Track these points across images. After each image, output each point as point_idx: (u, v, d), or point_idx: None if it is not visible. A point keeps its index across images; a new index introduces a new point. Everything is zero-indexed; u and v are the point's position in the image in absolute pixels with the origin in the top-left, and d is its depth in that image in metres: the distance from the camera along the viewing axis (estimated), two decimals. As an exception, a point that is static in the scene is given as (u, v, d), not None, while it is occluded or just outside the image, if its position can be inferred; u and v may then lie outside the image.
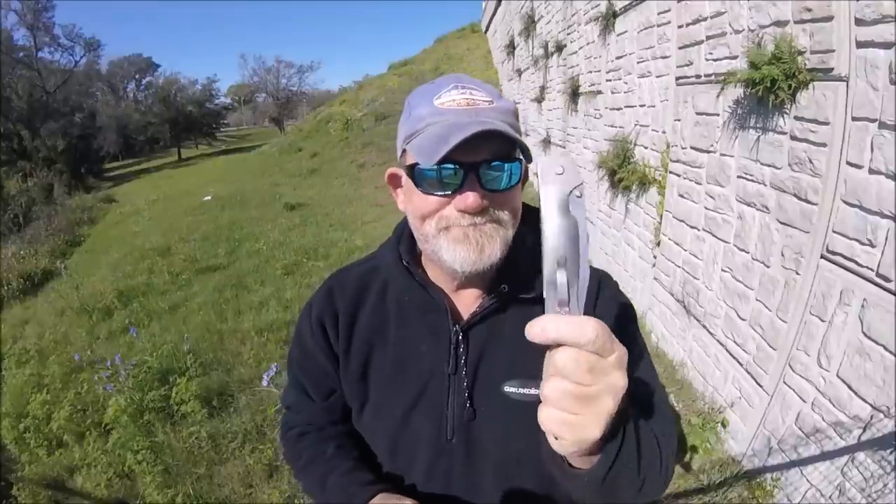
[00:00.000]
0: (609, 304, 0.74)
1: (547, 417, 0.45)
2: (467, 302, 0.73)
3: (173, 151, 36.95)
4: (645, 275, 3.64)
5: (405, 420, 0.75)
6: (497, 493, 0.73)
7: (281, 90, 43.76)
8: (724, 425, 2.52)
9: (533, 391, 0.60)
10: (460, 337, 0.72)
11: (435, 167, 0.61)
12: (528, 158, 0.65)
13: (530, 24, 8.06)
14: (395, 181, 0.74)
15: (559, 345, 0.43)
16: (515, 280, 0.70)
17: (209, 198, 11.46)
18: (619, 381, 0.45)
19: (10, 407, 3.65)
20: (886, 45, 1.50)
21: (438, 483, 0.75)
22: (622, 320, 0.73)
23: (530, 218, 0.76)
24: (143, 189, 19.55)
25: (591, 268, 0.77)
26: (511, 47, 10.42)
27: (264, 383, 3.15)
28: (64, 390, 3.62)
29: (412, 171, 0.65)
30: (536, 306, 0.61)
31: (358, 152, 12.80)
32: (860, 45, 1.61)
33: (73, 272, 8.11)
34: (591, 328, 0.42)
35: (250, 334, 4.15)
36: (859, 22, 1.60)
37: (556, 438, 0.46)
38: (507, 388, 0.61)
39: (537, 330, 0.43)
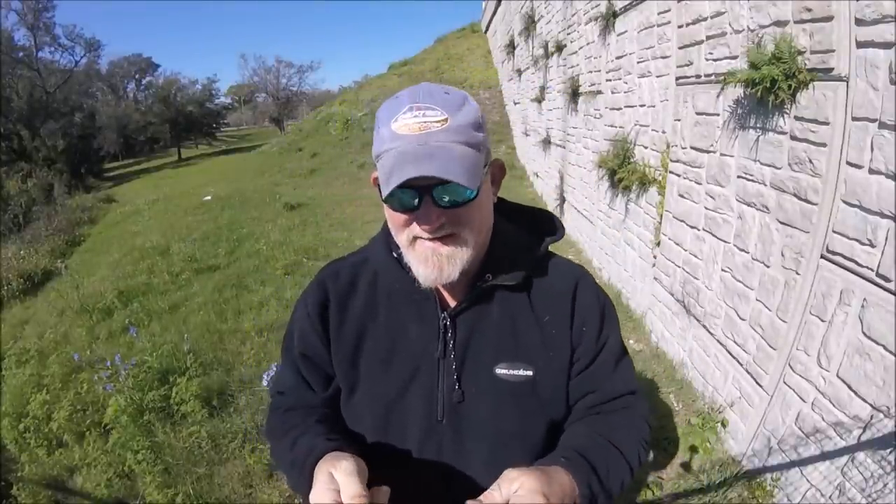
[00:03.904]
0: (587, 309, 0.81)
1: None
2: (454, 290, 0.79)
3: (173, 151, 36.83)
4: (645, 275, 3.64)
5: (398, 401, 0.79)
6: (485, 469, 0.75)
7: (281, 90, 43.69)
8: (723, 425, 2.52)
9: (521, 372, 0.77)
10: (448, 323, 0.78)
11: (393, 192, 0.65)
12: (486, 163, 0.72)
13: (530, 24, 8.06)
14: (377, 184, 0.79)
15: None
16: (497, 269, 0.78)
17: (209, 198, 11.44)
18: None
19: (10, 407, 3.65)
20: (886, 45, 1.50)
21: (429, 461, 0.79)
22: (599, 322, 0.81)
23: (505, 211, 0.86)
24: (143, 189, 19.51)
25: (567, 265, 0.87)
26: (511, 47, 10.42)
27: (264, 383, 3.15)
28: (64, 390, 3.62)
29: (379, 188, 0.70)
30: (518, 293, 0.80)
31: (358, 152, 12.80)
32: (860, 45, 1.61)
33: (73, 272, 8.09)
34: None
35: (250, 334, 4.14)
36: (859, 22, 1.60)
37: None
38: (499, 371, 0.76)
39: None
